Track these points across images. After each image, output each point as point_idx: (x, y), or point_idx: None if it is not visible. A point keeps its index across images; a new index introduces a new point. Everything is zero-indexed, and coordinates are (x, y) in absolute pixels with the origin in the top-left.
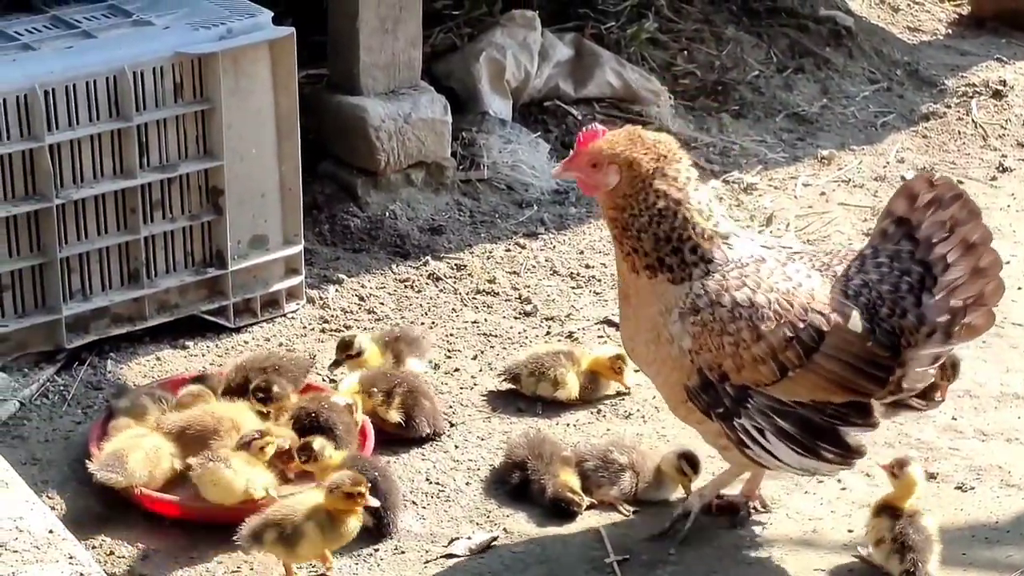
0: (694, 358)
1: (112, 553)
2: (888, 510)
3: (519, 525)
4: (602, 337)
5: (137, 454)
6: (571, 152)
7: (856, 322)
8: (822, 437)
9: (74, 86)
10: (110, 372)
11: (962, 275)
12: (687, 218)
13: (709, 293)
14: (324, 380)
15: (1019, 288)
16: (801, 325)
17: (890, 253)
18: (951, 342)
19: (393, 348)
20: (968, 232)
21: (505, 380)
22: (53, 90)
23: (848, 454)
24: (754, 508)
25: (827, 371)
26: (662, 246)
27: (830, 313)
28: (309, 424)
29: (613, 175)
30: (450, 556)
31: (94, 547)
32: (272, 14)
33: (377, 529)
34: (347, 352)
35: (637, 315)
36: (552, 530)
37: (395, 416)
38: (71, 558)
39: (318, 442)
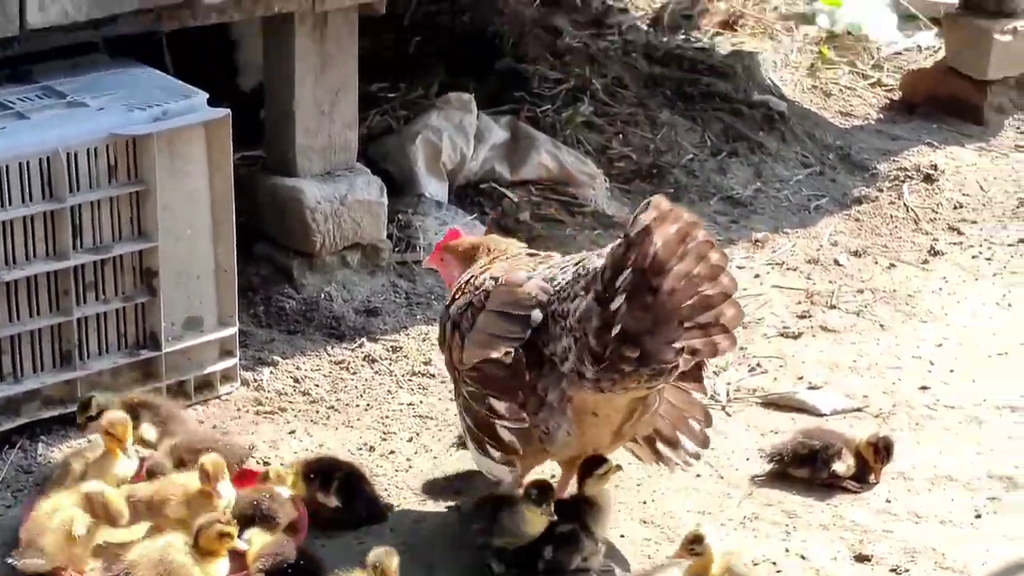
0: None
1: None
2: None
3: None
4: None
5: (50, 532)
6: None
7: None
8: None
9: (7, 167)
10: (41, 455)
11: None
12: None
13: None
14: (258, 463)
15: (951, 371)
16: None
17: None
18: None
19: (132, 409)
20: None
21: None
22: None
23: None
24: None
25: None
26: None
27: None
28: (252, 514)
29: (456, 269)
30: None
31: None
32: (208, 96)
33: None
34: (86, 414)
35: None
36: None
37: (333, 501)
38: None
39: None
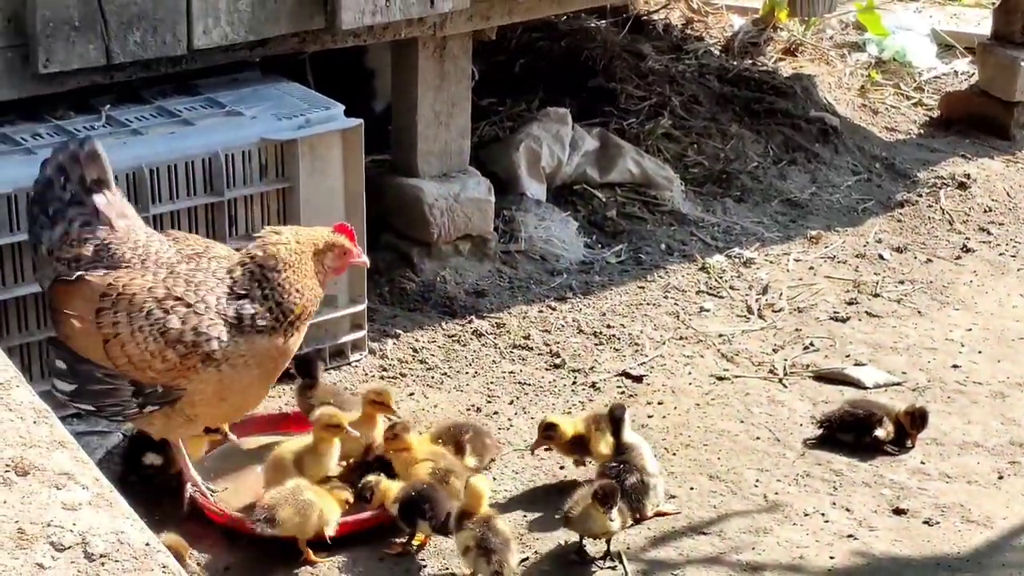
0: None
1: (200, 564)
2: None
3: (548, 548)
4: (620, 387)
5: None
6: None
7: None
8: None
9: (175, 166)
10: None
11: None
12: None
13: None
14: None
15: (979, 352)
16: None
17: None
18: None
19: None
20: None
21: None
22: (157, 169)
23: None
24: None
25: None
26: None
27: None
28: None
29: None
30: None
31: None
32: (344, 107)
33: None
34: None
35: None
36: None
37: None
38: (164, 568)
39: (373, 477)
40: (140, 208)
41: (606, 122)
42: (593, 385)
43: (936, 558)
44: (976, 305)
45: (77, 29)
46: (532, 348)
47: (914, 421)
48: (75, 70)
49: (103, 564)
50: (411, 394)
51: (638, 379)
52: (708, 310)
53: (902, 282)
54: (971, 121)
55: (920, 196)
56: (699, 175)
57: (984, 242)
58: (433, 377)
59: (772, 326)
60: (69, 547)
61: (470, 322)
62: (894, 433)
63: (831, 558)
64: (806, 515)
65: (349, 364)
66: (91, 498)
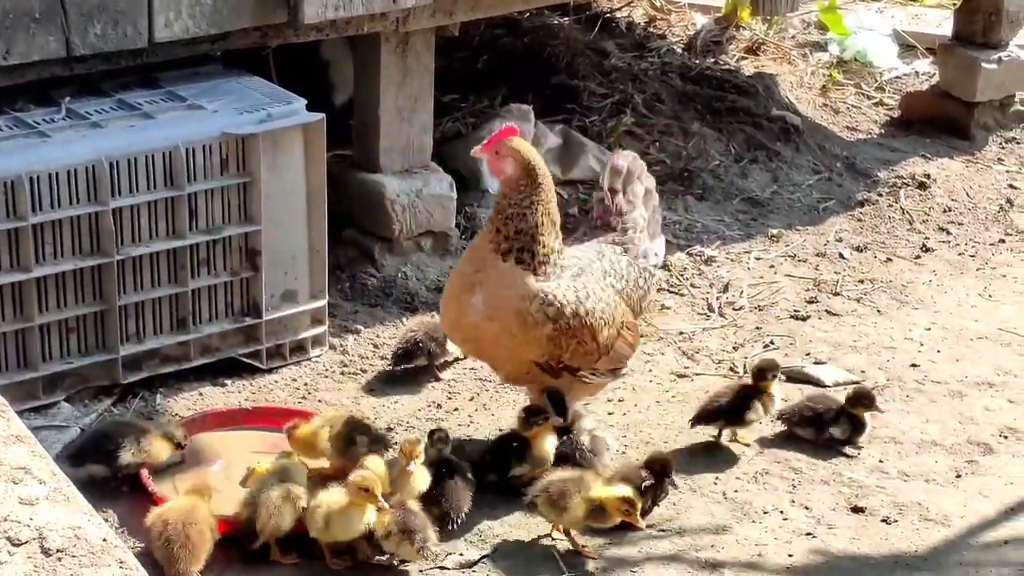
0: (549, 348)
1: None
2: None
3: (508, 546)
4: None
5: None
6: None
7: None
8: None
9: (135, 159)
10: (159, 405)
11: None
12: (543, 225)
13: (565, 305)
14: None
15: (938, 351)
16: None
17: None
18: None
19: None
20: None
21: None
22: (117, 162)
23: None
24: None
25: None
26: (519, 237)
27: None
28: None
29: (510, 167)
30: (443, 568)
31: (140, 554)
32: (306, 102)
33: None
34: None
35: (492, 294)
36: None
37: None
38: (121, 563)
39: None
40: (100, 202)
41: (569, 119)
42: None
43: (894, 556)
44: (935, 304)
45: (37, 21)
46: None
47: (864, 404)
48: (35, 62)
49: (60, 559)
50: (372, 390)
51: None
52: (669, 308)
53: (862, 281)
54: (931, 121)
55: (880, 196)
56: (661, 173)
57: (943, 242)
58: (394, 373)
59: (732, 324)
60: (26, 542)
61: (431, 318)
62: (848, 429)
63: (790, 556)
64: (765, 513)
65: (309, 360)
66: (48, 493)
